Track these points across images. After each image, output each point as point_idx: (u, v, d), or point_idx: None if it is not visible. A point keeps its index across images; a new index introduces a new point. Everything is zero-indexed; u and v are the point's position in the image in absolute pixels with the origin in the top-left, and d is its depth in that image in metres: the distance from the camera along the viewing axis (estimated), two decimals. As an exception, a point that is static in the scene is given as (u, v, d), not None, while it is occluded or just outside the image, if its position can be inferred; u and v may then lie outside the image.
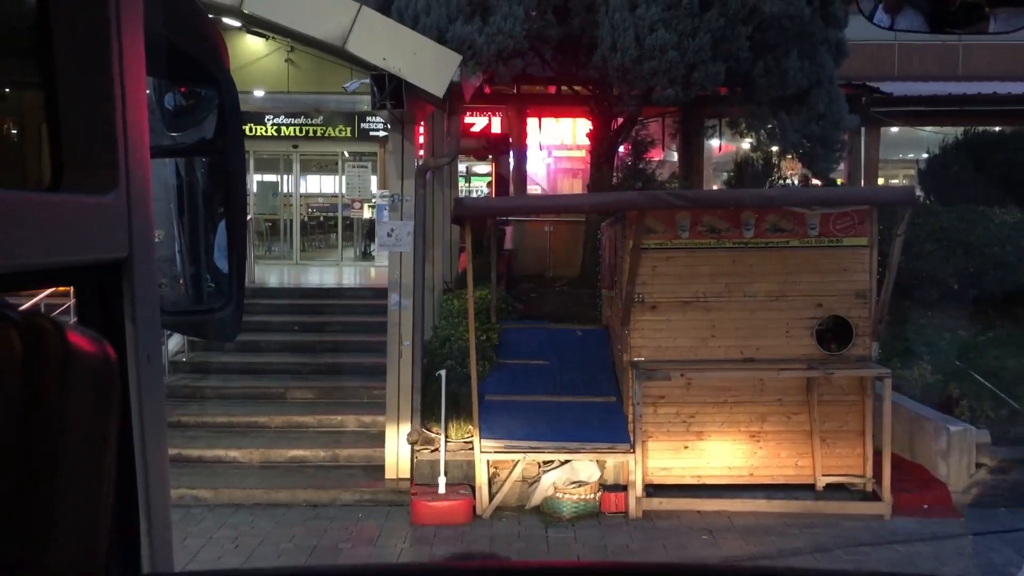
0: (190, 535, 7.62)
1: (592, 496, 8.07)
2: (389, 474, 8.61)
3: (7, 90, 0.96)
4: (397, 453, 8.61)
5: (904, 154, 20.27)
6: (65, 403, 0.68)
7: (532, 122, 17.38)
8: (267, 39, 9.20)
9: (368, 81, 7.54)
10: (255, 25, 8.81)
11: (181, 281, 1.50)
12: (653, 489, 8.28)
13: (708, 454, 8.49)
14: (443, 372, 8.52)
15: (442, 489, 8.16)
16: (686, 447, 8.48)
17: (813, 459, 8.41)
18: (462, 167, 18.55)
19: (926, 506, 8.14)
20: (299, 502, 8.37)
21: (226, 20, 9.95)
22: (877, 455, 8.22)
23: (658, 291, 8.41)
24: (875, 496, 8.13)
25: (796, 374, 8.30)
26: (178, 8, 1.27)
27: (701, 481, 8.42)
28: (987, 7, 1.69)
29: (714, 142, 16.07)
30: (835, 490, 8.35)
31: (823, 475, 8.39)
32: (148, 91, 1.03)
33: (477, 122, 17.02)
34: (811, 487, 8.37)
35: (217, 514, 8.11)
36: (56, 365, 0.67)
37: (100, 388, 0.73)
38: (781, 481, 8.41)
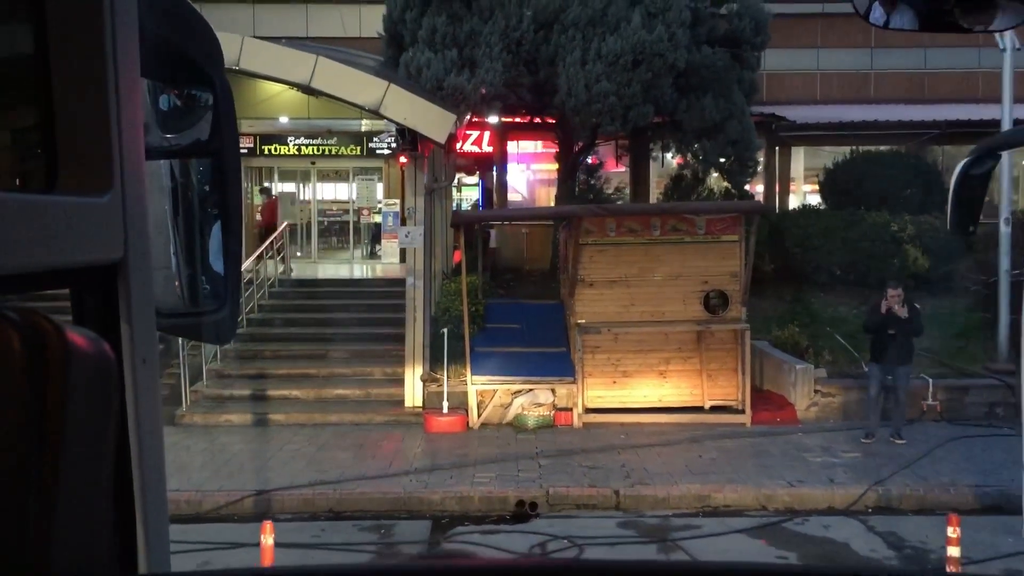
0: (273, 440, 11.27)
1: (548, 413, 11.76)
2: (408, 403, 12.27)
3: (2, 92, 0.93)
4: (413, 389, 12.27)
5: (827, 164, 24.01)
6: (65, 403, 0.68)
7: (512, 143, 21.07)
8: (317, 97, 12.66)
9: (394, 132, 11.20)
10: (314, 93, 12.37)
11: (176, 283, 1.49)
12: (591, 410, 11.97)
13: (630, 387, 12.17)
14: (445, 331, 12.18)
15: (445, 411, 11.83)
16: (614, 382, 12.17)
17: (702, 389, 12.11)
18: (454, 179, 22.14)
19: (778, 419, 11.84)
20: (346, 422, 12.01)
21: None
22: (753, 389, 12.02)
23: (594, 273, 12.09)
24: (743, 412, 11.84)
25: (689, 329, 12.00)
26: (173, 10, 1.28)
27: (625, 405, 12.08)
28: (987, 4, 1.61)
29: (657, 161, 19.75)
30: (717, 409, 12.04)
31: (709, 400, 12.09)
32: (143, 93, 1.04)
33: (466, 144, 20.63)
34: (701, 408, 12.07)
35: (290, 430, 11.75)
36: (56, 365, 0.67)
37: (99, 388, 0.73)
38: (681, 405, 12.08)
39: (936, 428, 11.33)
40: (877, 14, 1.79)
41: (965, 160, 6.94)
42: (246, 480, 9.62)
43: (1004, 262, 13.03)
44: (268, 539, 6.10)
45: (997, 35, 12.74)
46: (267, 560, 6.04)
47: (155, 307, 1.00)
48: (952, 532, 6.11)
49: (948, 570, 6.07)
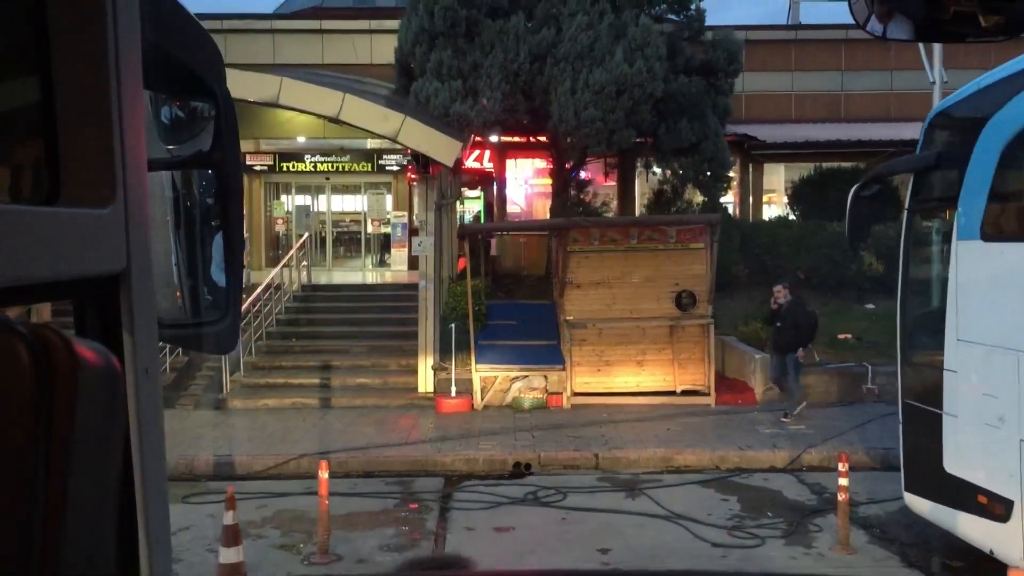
0: (306, 420, 13.21)
1: (542, 396, 13.70)
2: (420, 389, 14.22)
3: (5, 104, 0.94)
4: (425, 376, 14.23)
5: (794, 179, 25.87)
6: (72, 415, 0.69)
7: (511, 161, 23.07)
8: (340, 125, 14.59)
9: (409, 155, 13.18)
10: (340, 123, 14.33)
11: (178, 294, 1.51)
12: (578, 394, 13.91)
13: (612, 375, 14.12)
14: (452, 327, 14.14)
15: (453, 394, 13.77)
16: (598, 370, 14.12)
17: (674, 376, 14.05)
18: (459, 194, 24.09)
19: (739, 401, 13.79)
20: (368, 406, 13.96)
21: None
22: (717, 374, 13.98)
23: (581, 277, 14.05)
24: (708, 395, 13.79)
25: (663, 324, 13.96)
26: (175, 22, 1.29)
27: (608, 390, 14.03)
28: (981, 15, 1.65)
29: (642, 176, 21.75)
30: (687, 393, 13.98)
31: (680, 385, 14.03)
32: (145, 104, 1.05)
33: (469, 162, 22.60)
34: (673, 392, 14.01)
35: (320, 411, 13.70)
36: (64, 378, 0.68)
37: (107, 400, 0.74)
38: (655, 389, 14.02)
39: (873, 407, 13.25)
40: (875, 24, 1.80)
41: (856, 185, 8.97)
42: (289, 448, 11.55)
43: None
44: (324, 474, 8.03)
45: (927, 68, 14.72)
46: (324, 489, 7.95)
47: (157, 318, 1.01)
48: (842, 467, 8.06)
49: (839, 500, 7.99)
